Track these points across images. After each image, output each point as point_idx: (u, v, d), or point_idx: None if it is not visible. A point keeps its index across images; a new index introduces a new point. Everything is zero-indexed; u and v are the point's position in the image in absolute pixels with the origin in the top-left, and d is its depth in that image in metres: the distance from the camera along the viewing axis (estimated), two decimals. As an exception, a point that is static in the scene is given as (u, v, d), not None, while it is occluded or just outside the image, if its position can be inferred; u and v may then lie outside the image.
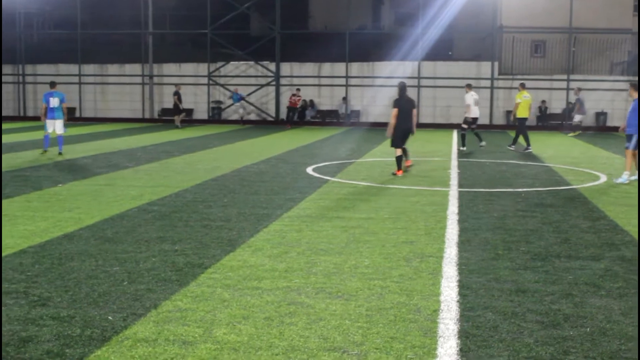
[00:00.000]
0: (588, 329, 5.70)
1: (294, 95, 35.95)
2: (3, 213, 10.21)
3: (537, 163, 18.64)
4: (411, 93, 36.81)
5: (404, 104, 15.56)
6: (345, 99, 37.82)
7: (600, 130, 34.27)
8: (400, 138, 15.62)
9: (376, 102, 36.72)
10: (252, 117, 39.06)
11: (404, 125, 15.53)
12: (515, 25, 38.26)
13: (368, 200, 11.99)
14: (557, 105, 36.21)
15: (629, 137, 14.76)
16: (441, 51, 40.09)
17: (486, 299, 6.42)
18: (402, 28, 42.10)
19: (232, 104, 38.15)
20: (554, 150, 23.01)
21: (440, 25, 36.66)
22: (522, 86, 22.98)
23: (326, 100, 38.44)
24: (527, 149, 21.82)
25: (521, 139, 22.67)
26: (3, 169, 15.46)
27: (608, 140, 28.15)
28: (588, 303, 6.39)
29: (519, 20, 38.48)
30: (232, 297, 6.41)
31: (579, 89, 31.67)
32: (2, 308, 5.97)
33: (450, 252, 8.19)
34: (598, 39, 37.83)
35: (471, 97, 22.42)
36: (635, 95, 14.79)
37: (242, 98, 37.26)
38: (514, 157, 20.31)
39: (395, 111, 15.49)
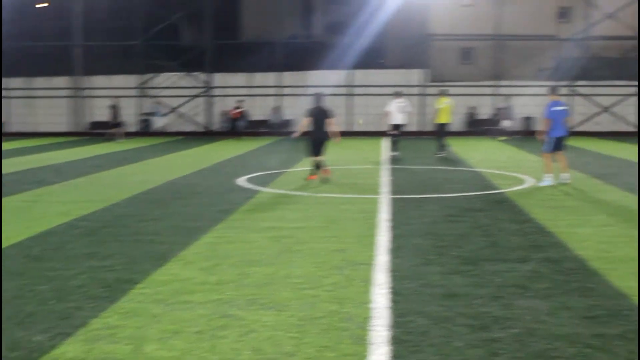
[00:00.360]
0: (516, 330, 5.81)
1: (236, 107, 35.83)
2: None
3: (466, 168, 18.95)
4: (344, 101, 37.16)
5: (317, 114, 15.77)
6: (276, 108, 37.83)
7: (527, 134, 34.96)
8: (313, 147, 15.86)
9: (309, 111, 36.73)
10: (186, 128, 38.74)
11: (316, 134, 15.78)
12: (444, 33, 38.84)
13: (300, 210, 12.01)
14: (485, 110, 36.85)
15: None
16: (373, 59, 40.40)
17: (417, 305, 6.48)
18: (334, 37, 42.30)
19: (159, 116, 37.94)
20: (482, 155, 23.42)
21: (371, 34, 36.99)
22: (443, 93, 23.64)
23: (259, 110, 38.39)
24: (439, 153, 22.66)
25: (444, 142, 23.24)
26: None
27: (535, 144, 28.69)
28: (516, 305, 6.51)
29: (447, 28, 39.08)
30: (163, 312, 6.34)
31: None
32: None
33: (382, 259, 8.26)
34: (525, 45, 38.68)
35: (395, 104, 22.87)
36: (555, 98, 15.39)
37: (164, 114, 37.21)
38: (443, 163, 20.60)
39: (306, 120, 15.80)
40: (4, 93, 39.35)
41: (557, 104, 15.47)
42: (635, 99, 35.95)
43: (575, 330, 5.84)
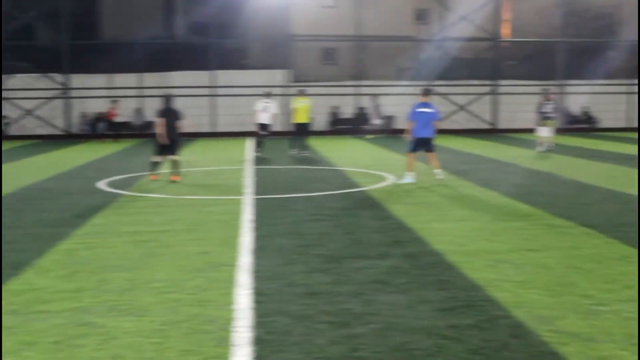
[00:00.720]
0: (376, 325, 5.95)
1: (111, 108, 34.83)
2: None
3: (329, 167, 19.21)
4: (207, 102, 36.87)
5: (168, 115, 15.90)
6: (138, 110, 37.08)
7: (389, 133, 35.84)
8: (162, 148, 15.99)
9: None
10: (43, 131, 37.34)
11: (167, 135, 15.83)
12: (306, 34, 39.20)
13: (163, 213, 11.82)
14: (348, 110, 37.44)
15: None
16: (236, 60, 40.29)
17: (280, 304, 6.52)
18: (197, 37, 41.89)
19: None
20: (346, 154, 23.79)
21: (234, 34, 36.85)
22: (301, 92, 24.00)
23: (120, 112, 37.44)
24: (299, 152, 23.30)
25: (304, 142, 23.63)
26: None
27: (397, 142, 29.46)
28: (376, 300, 6.66)
29: (310, 29, 39.46)
30: (18, 323, 6.09)
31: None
32: None
33: (245, 260, 8.25)
34: (385, 46, 39.60)
35: (262, 104, 23.11)
36: (424, 99, 15.73)
37: None
38: (307, 162, 20.80)
39: (160, 120, 15.87)
40: None
41: (423, 105, 15.66)
42: (489, 98, 37.48)
43: (433, 322, 6.03)
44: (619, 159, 20.98)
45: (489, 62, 37.99)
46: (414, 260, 8.24)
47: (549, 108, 23.52)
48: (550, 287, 7.10)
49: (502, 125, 37.43)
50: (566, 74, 38.32)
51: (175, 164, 15.93)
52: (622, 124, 38.61)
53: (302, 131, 23.81)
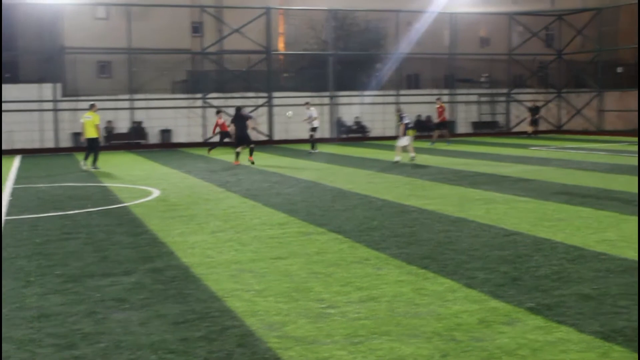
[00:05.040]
0: (103, 345, 5.83)
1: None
2: None
3: (94, 184, 18.60)
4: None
5: None
6: None
7: (165, 147, 35.48)
8: None
9: None
10: None
11: None
12: (79, 46, 37.91)
13: None
14: (124, 124, 36.57)
15: None
16: (4, 74, 38.18)
17: (5, 330, 6.21)
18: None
19: None
20: (117, 169, 23.18)
21: (4, 47, 34.86)
22: (91, 107, 23.21)
23: None
24: (93, 167, 22.65)
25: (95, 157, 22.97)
26: None
27: (172, 156, 29.22)
28: (110, 318, 6.53)
29: (82, 41, 38.23)
30: None
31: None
32: None
33: (-23, 285, 7.79)
34: (161, 59, 39.16)
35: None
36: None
37: None
38: (73, 179, 20.01)
39: None
40: None
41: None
42: (264, 109, 38.07)
43: (162, 337, 6.00)
44: (382, 166, 22.04)
45: (264, 74, 38.62)
46: (159, 275, 8.16)
47: (407, 119, 24.39)
48: (288, 294, 7.30)
49: (278, 136, 38.12)
50: (338, 86, 39.77)
51: None
52: (391, 133, 40.66)
53: (90, 146, 22.97)
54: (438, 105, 34.80)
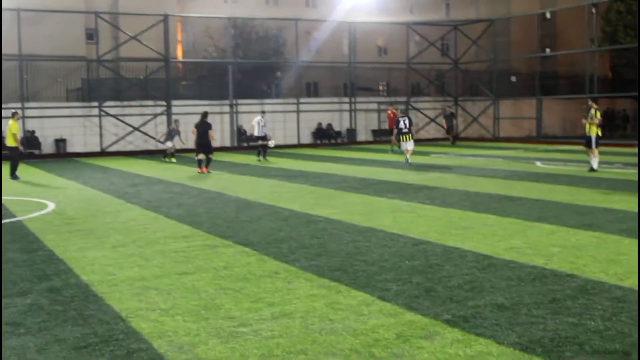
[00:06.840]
0: (-3, 375, 5.36)
1: None
2: None
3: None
4: None
5: None
6: None
7: (60, 156, 34.32)
8: None
9: None
10: None
11: None
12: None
13: None
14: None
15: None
16: None
17: None
18: None
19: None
20: (8, 181, 22.14)
21: None
22: (13, 115, 22.81)
23: None
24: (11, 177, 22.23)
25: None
26: None
27: (67, 166, 28.24)
28: (4, 346, 6.04)
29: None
30: None
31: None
32: None
33: None
34: (54, 66, 37.86)
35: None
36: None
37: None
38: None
39: None
40: None
41: None
42: (163, 117, 37.25)
43: (63, 364, 5.57)
44: (287, 175, 21.83)
45: (162, 82, 37.84)
46: (57, 295, 7.67)
47: (403, 124, 24.14)
48: (196, 312, 6.96)
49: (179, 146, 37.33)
50: (238, 94, 39.36)
51: None
52: (292, 141, 40.48)
53: (11, 156, 22.27)
54: (389, 111, 34.76)
